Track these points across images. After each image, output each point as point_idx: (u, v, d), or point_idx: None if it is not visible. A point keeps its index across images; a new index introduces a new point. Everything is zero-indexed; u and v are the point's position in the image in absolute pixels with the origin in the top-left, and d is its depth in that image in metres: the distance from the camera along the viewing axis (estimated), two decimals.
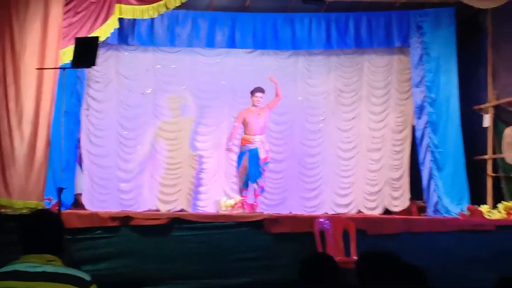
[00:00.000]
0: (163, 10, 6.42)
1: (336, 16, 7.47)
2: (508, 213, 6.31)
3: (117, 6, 6.34)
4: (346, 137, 7.82)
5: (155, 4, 6.37)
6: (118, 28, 6.66)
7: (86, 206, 7.13)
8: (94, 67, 5.91)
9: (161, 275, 5.50)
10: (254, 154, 6.72)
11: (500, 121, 7.40)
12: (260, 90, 6.85)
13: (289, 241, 5.61)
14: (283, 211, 7.38)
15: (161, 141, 7.61)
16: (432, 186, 7.25)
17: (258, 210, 6.73)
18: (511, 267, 5.29)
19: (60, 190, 5.37)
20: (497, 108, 7.40)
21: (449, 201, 7.10)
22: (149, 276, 5.49)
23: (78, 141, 7.30)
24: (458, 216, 6.70)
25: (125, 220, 5.63)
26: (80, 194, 7.24)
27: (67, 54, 6.13)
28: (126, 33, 7.19)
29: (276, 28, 7.42)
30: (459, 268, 5.65)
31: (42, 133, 6.01)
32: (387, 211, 7.65)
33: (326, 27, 7.43)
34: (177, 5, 6.38)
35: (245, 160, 6.73)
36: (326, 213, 7.33)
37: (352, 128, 7.82)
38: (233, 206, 6.99)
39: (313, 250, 5.26)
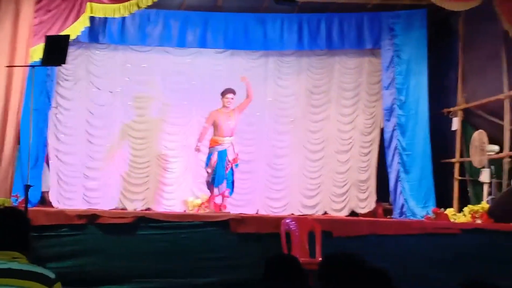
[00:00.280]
0: (134, 9, 6.42)
1: (308, 17, 7.50)
2: (473, 217, 6.39)
3: (88, 4, 6.33)
4: (314, 138, 7.86)
5: (126, 3, 6.36)
6: (89, 27, 6.67)
7: (53, 204, 7.12)
8: (64, 65, 5.89)
9: (126, 274, 5.51)
10: (222, 155, 6.72)
11: (469, 124, 7.51)
12: (230, 91, 6.82)
13: (255, 241, 5.63)
14: (250, 211, 7.42)
15: (129, 140, 7.61)
16: (399, 189, 7.33)
17: (225, 210, 6.73)
18: (475, 270, 5.38)
19: (27, 188, 5.35)
20: (466, 111, 7.50)
21: (415, 204, 7.18)
22: (115, 274, 5.50)
23: (47, 139, 7.27)
24: (424, 219, 6.78)
25: (91, 218, 5.62)
26: (47, 192, 7.23)
27: (37, 52, 6.12)
28: (97, 31, 7.19)
29: (247, 28, 7.44)
30: (423, 270, 5.69)
31: (10, 131, 5.99)
32: (353, 213, 7.70)
33: (298, 28, 7.46)
34: (149, 4, 6.38)
35: (213, 161, 6.72)
36: (293, 214, 7.36)
37: (321, 129, 7.86)
38: (200, 206, 7.00)
39: (279, 250, 5.29)
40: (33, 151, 6.66)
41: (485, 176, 6.82)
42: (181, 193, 7.53)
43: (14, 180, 6.00)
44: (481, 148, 6.89)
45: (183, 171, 7.65)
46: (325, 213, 7.71)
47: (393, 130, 7.43)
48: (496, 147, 6.85)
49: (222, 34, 7.44)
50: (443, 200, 7.22)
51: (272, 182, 7.79)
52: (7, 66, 5.97)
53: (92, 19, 6.58)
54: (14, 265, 1.97)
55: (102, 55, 7.52)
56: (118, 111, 7.59)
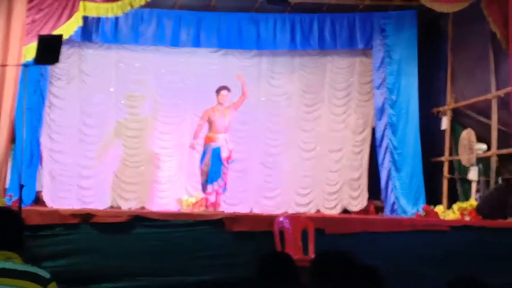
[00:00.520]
0: (127, 8, 6.43)
1: (301, 17, 7.56)
2: (462, 214, 6.51)
3: (81, 3, 6.34)
4: (307, 137, 7.94)
5: (119, 2, 6.38)
6: (82, 26, 6.66)
7: (47, 203, 7.10)
8: (57, 64, 5.88)
9: (121, 272, 5.51)
10: (216, 152, 6.75)
11: (458, 124, 7.63)
12: (225, 88, 6.85)
13: (249, 239, 5.67)
14: (244, 210, 7.48)
15: (123, 139, 7.61)
16: (390, 187, 7.44)
17: (219, 209, 6.77)
18: (464, 267, 5.49)
19: (21, 187, 5.34)
20: (455, 111, 7.62)
21: (406, 202, 7.29)
22: (109, 273, 5.50)
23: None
24: (414, 216, 6.90)
25: (86, 218, 5.62)
26: (41, 191, 7.19)
27: (30, 51, 6.11)
28: (90, 30, 7.17)
29: (241, 28, 7.48)
30: (414, 267, 5.77)
31: (3, 130, 5.98)
32: (345, 211, 7.81)
33: (291, 28, 7.52)
34: (142, 3, 6.40)
35: (208, 158, 6.75)
36: (286, 212, 7.43)
37: (314, 128, 7.94)
38: (194, 205, 7.03)
39: (272, 248, 5.34)
40: (28, 151, 6.65)
41: (473, 174, 6.95)
42: (175, 191, 7.55)
43: (11, 179, 5.98)
44: (470, 147, 7.01)
45: (177, 170, 7.67)
46: (318, 211, 7.80)
47: (384, 129, 7.54)
48: (484, 146, 6.98)
49: (215, 33, 7.46)
50: (433, 198, 7.34)
51: (265, 180, 7.85)
52: (0, 65, 5.94)
53: (85, 18, 6.57)
54: (9, 265, 1.98)
55: (95, 54, 7.51)
56: (111, 110, 7.59)
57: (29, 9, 6.27)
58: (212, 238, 5.70)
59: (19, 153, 6.15)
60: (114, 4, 6.37)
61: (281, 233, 5.55)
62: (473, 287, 1.87)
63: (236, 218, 5.81)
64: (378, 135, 7.62)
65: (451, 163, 7.63)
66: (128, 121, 7.63)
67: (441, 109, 7.75)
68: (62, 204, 6.99)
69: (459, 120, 7.61)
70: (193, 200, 7.12)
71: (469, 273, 1.97)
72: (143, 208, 7.37)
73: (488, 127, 6.99)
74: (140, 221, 5.67)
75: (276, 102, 7.93)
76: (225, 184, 6.90)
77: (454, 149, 7.54)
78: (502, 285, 4.98)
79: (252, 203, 7.77)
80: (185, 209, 7.02)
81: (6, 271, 1.96)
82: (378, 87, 7.62)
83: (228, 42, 7.54)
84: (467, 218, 6.37)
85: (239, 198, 7.65)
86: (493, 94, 6.93)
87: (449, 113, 7.63)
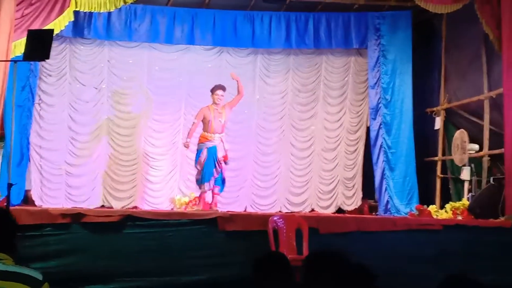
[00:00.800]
0: (120, 4, 6.33)
1: (296, 16, 7.54)
2: (454, 213, 6.56)
3: None
4: (302, 136, 7.93)
5: None
6: (74, 21, 6.55)
7: (36, 202, 6.98)
8: (47, 60, 5.77)
9: (113, 273, 5.44)
10: (212, 152, 6.67)
11: (451, 124, 7.69)
12: (221, 87, 6.74)
13: (243, 239, 5.64)
14: (238, 209, 7.43)
15: (115, 137, 7.51)
16: (384, 186, 7.47)
17: (215, 209, 6.70)
18: (457, 265, 5.52)
19: (9, 186, 5.23)
20: (448, 111, 7.68)
21: (399, 201, 7.34)
22: (101, 273, 5.42)
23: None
24: (408, 216, 6.92)
25: (76, 217, 5.53)
26: (30, 190, 7.07)
27: (20, 47, 5.99)
28: (82, 26, 7.04)
29: (236, 25, 7.43)
30: (407, 266, 5.80)
31: None
32: (340, 210, 7.82)
33: (286, 26, 7.50)
34: None
35: (203, 158, 6.66)
36: (280, 212, 7.42)
37: (308, 127, 7.94)
38: (187, 204, 6.97)
39: (267, 248, 5.31)
40: (17, 149, 6.53)
41: (465, 174, 7.00)
42: (168, 191, 7.48)
43: (0, 178, 5.85)
44: (462, 147, 7.06)
45: (170, 168, 7.59)
46: (312, 210, 7.80)
47: (379, 128, 7.57)
48: (476, 146, 7.04)
49: (210, 31, 7.40)
50: (426, 197, 7.39)
51: (259, 179, 7.83)
52: None
53: (77, 13, 6.46)
54: (0, 267, 1.93)
55: (87, 50, 7.39)
56: (103, 108, 7.47)
57: (18, 3, 6.15)
58: (205, 238, 5.66)
59: (8, 151, 6.03)
60: None
61: (275, 232, 5.53)
62: (465, 285, 1.87)
63: (229, 218, 5.77)
64: (373, 134, 7.64)
65: (444, 162, 7.68)
66: (120, 119, 7.53)
67: (434, 109, 7.81)
68: (51, 204, 6.88)
69: (452, 120, 7.67)
70: (186, 199, 7.06)
71: (462, 271, 1.97)
72: (135, 207, 7.28)
73: (480, 128, 7.05)
74: (132, 220, 5.61)
75: (271, 100, 7.91)
76: (222, 184, 6.81)
77: (447, 149, 7.59)
78: (494, 283, 5.04)
79: (246, 202, 7.74)
80: (178, 208, 6.94)
81: None
82: (372, 87, 7.64)
83: (223, 39, 7.49)
84: (459, 218, 6.42)
85: (233, 197, 7.61)
86: (486, 95, 6.99)
87: (442, 113, 7.69)
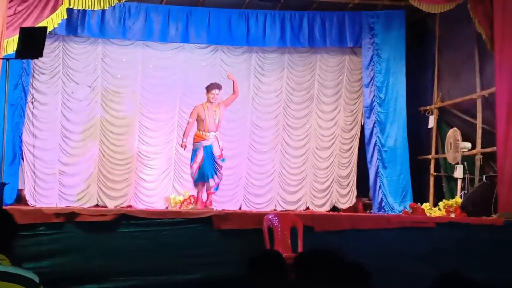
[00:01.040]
0: (114, 1, 6.30)
1: (291, 14, 7.55)
2: (447, 211, 6.61)
3: None
4: (296, 135, 7.95)
5: None
6: (67, 19, 6.50)
7: (29, 202, 6.93)
8: (40, 58, 5.74)
9: (107, 272, 5.41)
10: (208, 151, 6.64)
11: (444, 122, 7.75)
12: (217, 86, 6.70)
13: (238, 237, 5.63)
14: (233, 207, 7.43)
15: (108, 136, 7.47)
16: (378, 184, 7.52)
17: (211, 207, 6.69)
18: (450, 263, 5.56)
19: (2, 185, 5.20)
20: (441, 110, 7.73)
21: (393, 199, 7.39)
22: (95, 273, 5.39)
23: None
24: (401, 214, 6.96)
25: (70, 217, 5.49)
26: (23, 189, 7.02)
27: (12, 44, 5.94)
28: (75, 24, 7.00)
29: (230, 24, 7.43)
30: (401, 263, 5.83)
31: None
32: (334, 208, 7.84)
33: (280, 25, 7.51)
34: None
35: (199, 157, 6.63)
36: (275, 210, 7.43)
37: (303, 126, 7.95)
38: (182, 203, 6.95)
39: (262, 246, 5.32)
40: (10, 147, 6.48)
41: (458, 172, 7.06)
42: (162, 189, 7.46)
43: None
44: (455, 145, 7.12)
45: (165, 167, 7.56)
46: (307, 208, 7.82)
47: (373, 127, 7.61)
48: (469, 145, 7.10)
49: (205, 29, 7.39)
50: (419, 195, 7.45)
51: (254, 178, 7.83)
52: None
53: (70, 11, 6.42)
54: None
55: (80, 48, 7.34)
56: (96, 106, 7.42)
57: (11, 0, 6.10)
58: (200, 236, 5.64)
59: (0, 150, 5.98)
60: None
61: (270, 230, 5.54)
62: (459, 283, 1.89)
63: (224, 216, 5.76)
64: (367, 132, 7.69)
65: (437, 161, 7.74)
66: (114, 118, 7.49)
67: (428, 108, 7.85)
68: (44, 203, 6.83)
69: (446, 119, 7.73)
70: (180, 198, 7.04)
71: (455, 269, 1.98)
72: (129, 206, 7.24)
73: (473, 126, 7.12)
74: (126, 219, 5.57)
75: (266, 99, 7.91)
76: (219, 182, 6.78)
77: (440, 147, 7.64)
78: (487, 280, 5.08)
79: (241, 200, 7.74)
80: (173, 207, 6.93)
81: None
82: (367, 85, 7.69)
83: (218, 38, 7.48)
84: (452, 215, 6.47)
85: (228, 196, 7.61)
86: (478, 94, 7.05)
87: (435, 112, 7.74)
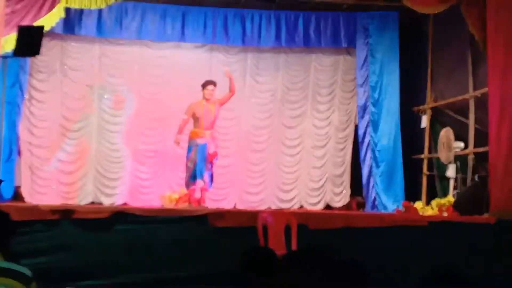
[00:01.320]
0: (111, 1, 6.35)
1: (286, 14, 7.62)
2: (440, 210, 6.67)
3: None
4: (291, 134, 8.01)
5: None
6: (64, 18, 6.55)
7: (26, 199, 6.97)
8: (38, 56, 5.77)
9: (103, 269, 5.44)
10: (203, 149, 6.66)
11: (437, 122, 7.81)
12: (211, 82, 6.71)
13: (233, 235, 5.68)
14: (227, 205, 7.49)
15: (105, 134, 7.52)
16: (371, 183, 7.59)
17: (204, 205, 6.75)
18: (442, 261, 5.63)
19: None
20: (434, 110, 7.79)
21: (386, 198, 7.46)
22: (91, 270, 5.42)
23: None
24: (394, 212, 7.03)
25: (66, 214, 5.52)
26: (20, 186, 7.06)
27: (10, 43, 5.97)
28: (72, 23, 7.05)
29: (226, 23, 7.48)
30: (393, 262, 5.88)
31: None
32: (328, 207, 7.91)
33: (276, 25, 7.58)
34: None
35: (193, 154, 6.66)
36: (270, 208, 7.49)
37: (297, 125, 8.02)
38: (177, 200, 6.99)
39: (256, 244, 5.36)
40: (6, 145, 6.51)
41: (451, 172, 7.12)
42: (158, 187, 7.50)
43: None
44: (448, 145, 7.18)
45: (161, 165, 7.62)
46: (301, 206, 7.88)
47: (367, 126, 7.69)
48: (461, 144, 7.16)
49: (201, 28, 7.45)
50: (412, 194, 7.51)
51: (249, 176, 7.88)
52: None
53: (67, 10, 6.47)
54: None
55: (77, 47, 7.40)
56: (93, 104, 7.47)
57: None
58: (195, 234, 5.68)
59: None
60: None
61: (265, 228, 5.58)
62: (450, 280, 1.92)
63: (219, 214, 5.80)
64: (361, 132, 7.76)
65: (430, 160, 7.80)
66: (111, 116, 7.54)
67: (421, 107, 7.91)
68: (41, 200, 6.86)
69: (439, 119, 7.79)
70: (176, 196, 7.08)
71: (447, 266, 2.03)
72: (125, 204, 7.29)
73: (466, 126, 7.18)
74: (122, 217, 5.60)
75: (261, 98, 7.97)
76: (212, 180, 6.84)
77: (433, 147, 7.71)
78: (478, 278, 5.16)
79: (235, 199, 7.79)
80: (168, 205, 6.97)
81: None
82: (361, 85, 7.75)
83: (214, 37, 7.53)
84: (445, 214, 6.53)
85: (223, 194, 7.67)
86: (471, 94, 7.11)
87: (428, 111, 7.80)
